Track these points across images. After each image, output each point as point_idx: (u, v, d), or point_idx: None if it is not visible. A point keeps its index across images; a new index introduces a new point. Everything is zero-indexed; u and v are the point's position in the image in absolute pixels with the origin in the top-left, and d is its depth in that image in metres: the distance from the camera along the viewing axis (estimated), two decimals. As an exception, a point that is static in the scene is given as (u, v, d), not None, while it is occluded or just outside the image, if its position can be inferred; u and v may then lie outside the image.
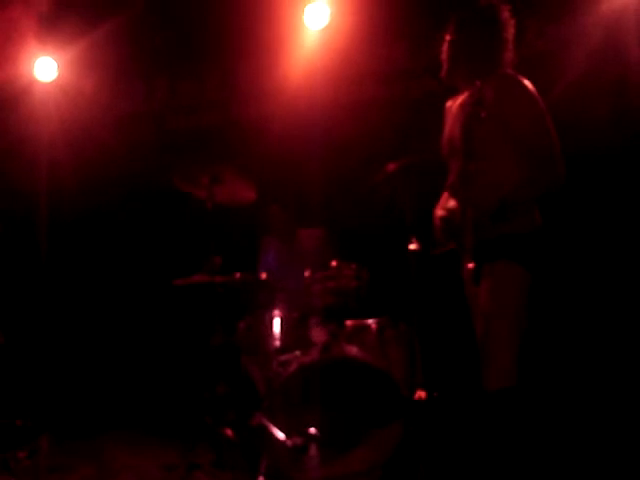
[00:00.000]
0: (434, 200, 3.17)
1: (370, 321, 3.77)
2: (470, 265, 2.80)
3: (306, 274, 3.68)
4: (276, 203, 4.52)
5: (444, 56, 2.99)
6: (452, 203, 2.89)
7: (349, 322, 3.79)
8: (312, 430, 3.23)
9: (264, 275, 3.66)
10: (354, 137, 4.73)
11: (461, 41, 2.89)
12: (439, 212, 2.98)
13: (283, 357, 3.58)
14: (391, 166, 3.34)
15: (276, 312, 3.69)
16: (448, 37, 2.97)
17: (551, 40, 4.78)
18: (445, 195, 3.08)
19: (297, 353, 3.54)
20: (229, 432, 3.42)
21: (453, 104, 3.07)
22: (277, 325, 3.68)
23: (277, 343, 3.65)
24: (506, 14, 2.89)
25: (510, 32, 2.90)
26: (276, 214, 4.53)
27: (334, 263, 3.69)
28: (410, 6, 4.60)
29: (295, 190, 4.57)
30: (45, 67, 5.08)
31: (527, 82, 2.78)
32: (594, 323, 4.39)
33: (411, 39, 4.84)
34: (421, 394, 3.51)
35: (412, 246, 3.36)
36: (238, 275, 3.69)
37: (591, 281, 4.46)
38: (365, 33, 4.79)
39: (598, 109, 4.50)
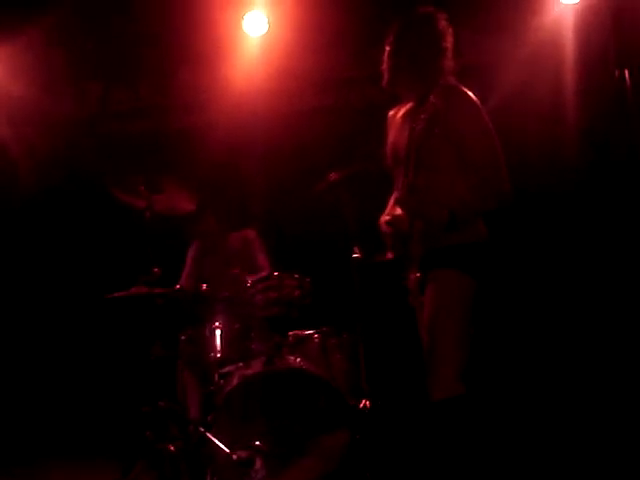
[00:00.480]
0: (377, 209, 3.16)
1: (313, 331, 3.75)
2: (416, 275, 2.82)
3: (248, 284, 3.63)
4: (211, 213, 4.45)
5: (385, 66, 2.99)
6: (398, 211, 2.89)
7: (292, 333, 3.78)
8: (257, 443, 3.18)
9: (204, 286, 3.58)
10: (295, 145, 4.71)
11: (401, 50, 2.90)
12: (385, 221, 2.98)
13: (225, 369, 3.53)
14: (333, 175, 3.34)
15: (217, 324, 3.64)
16: (388, 46, 2.97)
17: (485, 52, 4.87)
18: (391, 203, 3.08)
19: (239, 364, 3.50)
20: (171, 447, 3.32)
21: (396, 113, 3.07)
22: (218, 337, 3.62)
23: (219, 355, 3.60)
24: (443, 22, 2.91)
25: (449, 40, 2.91)
26: (210, 223, 4.46)
27: (276, 273, 3.66)
28: (350, 14, 4.59)
29: (234, 199, 4.51)
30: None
31: (471, 94, 2.80)
32: (546, 330, 4.50)
33: (352, 47, 4.84)
34: (366, 403, 3.53)
35: (355, 255, 3.38)
36: (178, 286, 3.62)
37: (540, 288, 4.58)
38: (305, 41, 4.77)
39: (531, 122, 4.61)
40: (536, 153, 4.64)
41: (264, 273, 4.02)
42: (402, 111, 3.02)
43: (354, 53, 4.68)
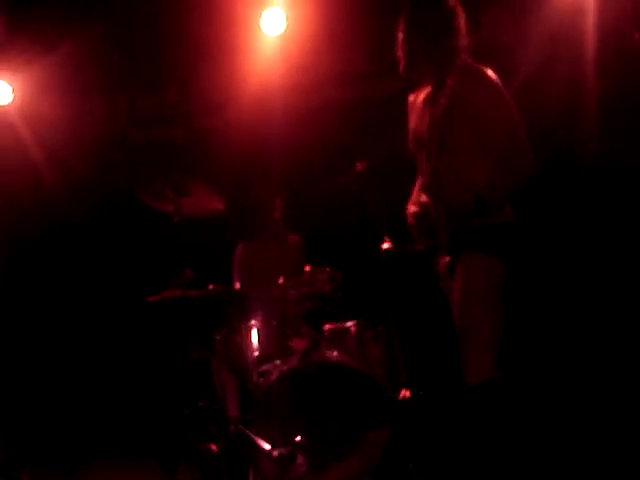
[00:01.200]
0: (404, 198, 3.14)
1: (349, 324, 3.74)
2: (445, 259, 2.80)
3: (280, 281, 3.63)
4: (279, 197, 4.48)
5: (399, 53, 2.97)
6: (424, 198, 2.86)
7: (328, 326, 3.77)
8: (297, 439, 3.17)
9: (237, 285, 3.60)
10: (316, 140, 4.71)
11: (413, 35, 2.88)
12: (412, 208, 2.95)
13: (263, 367, 3.52)
14: (359, 165, 3.33)
15: (253, 322, 3.65)
16: (400, 33, 2.95)
17: (506, 31, 4.81)
18: (416, 190, 3.06)
19: (277, 362, 3.49)
20: (213, 447, 3.34)
21: (416, 98, 3.05)
22: (255, 335, 3.63)
23: (256, 354, 3.60)
24: (452, 1, 2.88)
25: (460, 18, 2.87)
26: (278, 207, 4.47)
27: (307, 268, 3.65)
28: (367, 9, 4.58)
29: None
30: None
31: (490, 73, 2.76)
32: (578, 315, 4.42)
33: (369, 41, 4.83)
34: (406, 393, 3.50)
35: (385, 245, 3.36)
36: (211, 287, 3.63)
37: (572, 273, 4.49)
38: (323, 37, 4.76)
39: (552, 102, 4.54)
40: (559, 131, 4.56)
41: None
42: (422, 96, 3.01)
43: (371, 47, 4.66)
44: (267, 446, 3.13)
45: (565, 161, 4.52)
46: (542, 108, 4.46)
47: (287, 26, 4.57)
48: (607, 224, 4.46)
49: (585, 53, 4.49)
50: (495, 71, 2.82)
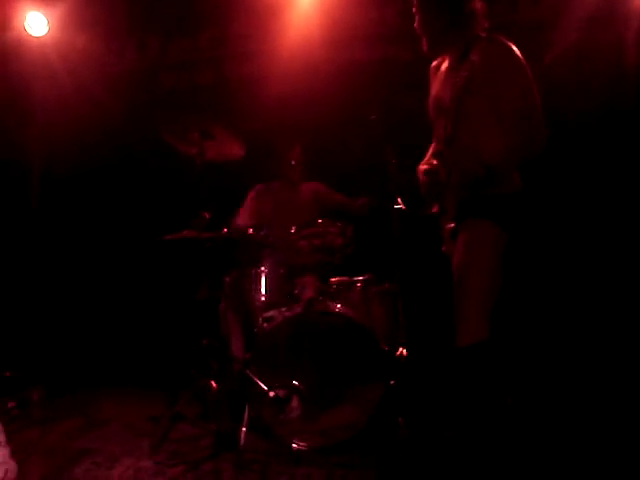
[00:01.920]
0: (419, 161, 3.19)
1: (355, 279, 3.83)
2: (450, 225, 2.86)
3: (292, 230, 3.71)
4: (299, 144, 4.55)
5: (420, 31, 2.98)
6: (436, 162, 2.91)
7: (335, 279, 3.86)
8: (294, 383, 3.30)
9: (250, 230, 3.68)
10: (345, 96, 4.73)
11: (429, 13, 2.91)
12: (423, 170, 3.01)
13: (269, 313, 3.63)
14: (372, 117, 3.38)
15: (262, 268, 3.75)
16: (416, 12, 2.97)
17: (545, 7, 4.76)
18: (429, 154, 3.11)
19: (282, 309, 3.60)
20: (213, 384, 3.47)
21: (439, 65, 3.07)
22: (263, 281, 3.73)
23: (263, 299, 3.71)
24: None
25: None
26: (296, 155, 4.54)
27: (320, 220, 3.73)
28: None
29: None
30: (35, 22, 5.04)
31: (515, 48, 2.77)
32: (572, 291, 4.46)
33: (402, 2, 4.82)
34: (403, 351, 3.60)
35: (397, 206, 3.42)
36: (225, 230, 3.71)
37: (571, 248, 4.53)
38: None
39: (592, 77, 4.51)
40: (593, 107, 4.53)
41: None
42: (445, 64, 3.02)
43: (403, 8, 4.62)
44: (264, 386, 3.27)
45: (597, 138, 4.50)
46: (577, 86, 4.46)
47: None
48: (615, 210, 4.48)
49: (623, 34, 4.46)
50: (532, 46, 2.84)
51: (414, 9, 2.97)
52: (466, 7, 2.84)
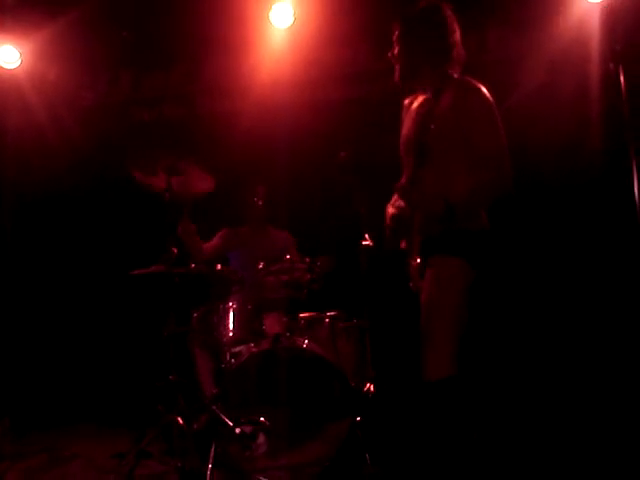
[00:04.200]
0: (387, 198, 3.23)
1: (323, 314, 3.84)
2: (416, 261, 2.89)
3: (259, 266, 3.73)
4: (263, 185, 4.58)
5: (395, 62, 3.04)
6: (401, 203, 2.95)
7: (303, 315, 3.87)
8: (261, 419, 3.29)
9: (219, 266, 3.69)
10: (317, 136, 4.79)
11: (409, 46, 2.94)
12: (390, 210, 3.05)
13: (236, 348, 3.63)
14: (342, 154, 3.42)
15: (230, 303, 3.75)
16: (395, 42, 3.02)
17: (512, 48, 4.89)
18: (396, 191, 3.14)
19: (250, 344, 3.59)
20: (180, 420, 3.44)
21: (411, 103, 3.11)
22: (231, 316, 3.73)
23: (231, 334, 3.70)
24: (449, 12, 2.92)
25: (455, 29, 2.92)
26: (261, 194, 4.57)
27: (287, 256, 3.75)
28: (374, 8, 4.66)
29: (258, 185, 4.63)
30: (8, 55, 5.06)
31: (485, 90, 2.81)
32: (542, 321, 4.54)
33: (374, 40, 4.92)
34: (370, 387, 3.61)
35: (365, 242, 3.46)
36: (193, 266, 3.72)
37: (538, 280, 4.61)
38: (330, 33, 4.86)
39: (557, 118, 4.62)
40: (559, 147, 4.64)
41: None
42: (417, 102, 3.05)
43: (378, 46, 4.72)
44: (230, 423, 3.26)
45: (560, 176, 4.61)
46: (544, 124, 4.57)
47: (295, 20, 4.68)
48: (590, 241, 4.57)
49: (589, 73, 4.60)
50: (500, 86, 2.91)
51: (394, 37, 3.00)
52: (450, 38, 2.89)
